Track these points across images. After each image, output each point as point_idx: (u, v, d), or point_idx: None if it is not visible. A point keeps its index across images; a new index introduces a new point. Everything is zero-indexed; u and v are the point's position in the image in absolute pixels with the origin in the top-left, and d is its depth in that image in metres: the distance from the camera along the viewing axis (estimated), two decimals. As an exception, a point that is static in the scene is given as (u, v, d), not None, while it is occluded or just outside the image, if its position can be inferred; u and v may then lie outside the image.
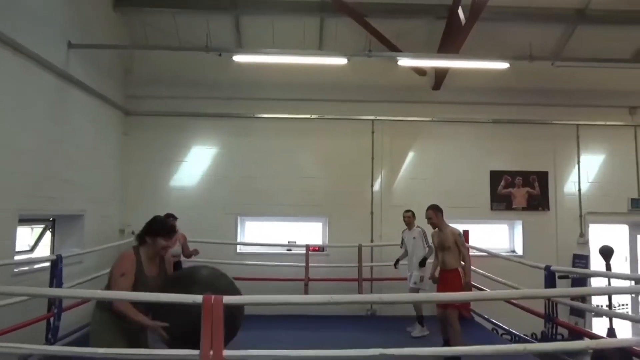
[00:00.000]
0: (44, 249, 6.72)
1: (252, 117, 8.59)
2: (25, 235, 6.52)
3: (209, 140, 8.64)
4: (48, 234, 6.72)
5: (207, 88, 8.49)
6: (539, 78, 8.49)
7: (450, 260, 5.57)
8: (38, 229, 6.64)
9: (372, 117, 8.65)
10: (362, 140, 8.65)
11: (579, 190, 8.78)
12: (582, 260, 8.49)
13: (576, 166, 8.82)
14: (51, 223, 6.67)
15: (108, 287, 3.35)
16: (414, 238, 6.87)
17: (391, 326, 7.08)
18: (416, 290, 6.60)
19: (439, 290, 5.71)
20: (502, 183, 8.74)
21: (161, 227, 3.43)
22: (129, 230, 7.94)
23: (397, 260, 7.14)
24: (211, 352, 2.72)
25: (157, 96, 8.48)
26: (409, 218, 7.06)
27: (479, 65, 7.74)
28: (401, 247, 7.23)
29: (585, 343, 2.94)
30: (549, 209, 8.71)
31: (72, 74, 6.38)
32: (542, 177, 8.76)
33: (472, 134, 8.76)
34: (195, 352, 2.77)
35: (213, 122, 8.59)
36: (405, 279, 7.01)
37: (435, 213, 5.69)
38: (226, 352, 2.79)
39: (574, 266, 8.50)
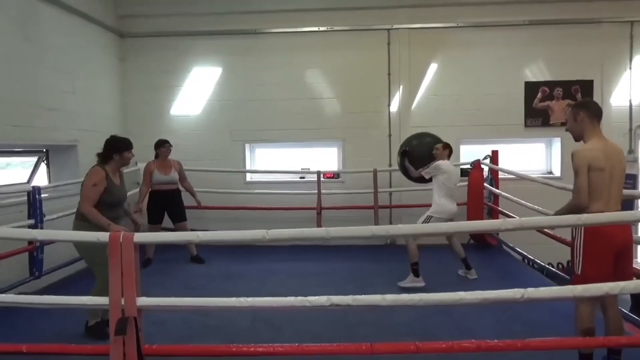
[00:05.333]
0: (43, 181, 6.50)
1: (254, 33, 7.78)
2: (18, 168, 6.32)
3: (211, 61, 7.92)
4: (43, 166, 6.47)
5: (205, 2, 7.69)
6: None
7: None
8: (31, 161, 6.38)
9: (388, 27, 7.64)
10: (377, 54, 7.70)
11: (630, 101, 7.59)
12: (629, 180, 7.50)
13: (628, 72, 7.57)
14: (45, 154, 6.41)
15: (80, 197, 3.84)
16: None
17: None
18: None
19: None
20: (539, 95, 7.68)
21: (126, 143, 4.06)
22: (132, 160, 7.63)
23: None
24: (123, 300, 2.25)
25: (153, 14, 7.77)
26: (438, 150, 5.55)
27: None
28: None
29: (603, 287, 2.24)
30: (593, 124, 7.64)
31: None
32: (586, 87, 7.59)
33: (503, 39, 7.61)
34: (105, 299, 2.32)
35: (214, 40, 7.82)
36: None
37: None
38: (140, 300, 2.31)
39: (620, 187, 7.56)
